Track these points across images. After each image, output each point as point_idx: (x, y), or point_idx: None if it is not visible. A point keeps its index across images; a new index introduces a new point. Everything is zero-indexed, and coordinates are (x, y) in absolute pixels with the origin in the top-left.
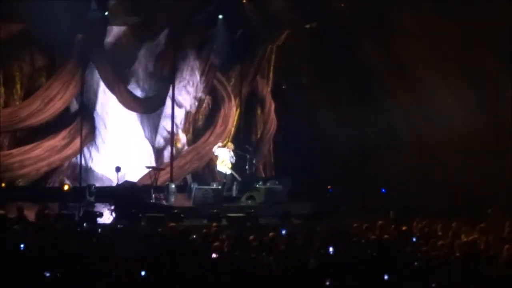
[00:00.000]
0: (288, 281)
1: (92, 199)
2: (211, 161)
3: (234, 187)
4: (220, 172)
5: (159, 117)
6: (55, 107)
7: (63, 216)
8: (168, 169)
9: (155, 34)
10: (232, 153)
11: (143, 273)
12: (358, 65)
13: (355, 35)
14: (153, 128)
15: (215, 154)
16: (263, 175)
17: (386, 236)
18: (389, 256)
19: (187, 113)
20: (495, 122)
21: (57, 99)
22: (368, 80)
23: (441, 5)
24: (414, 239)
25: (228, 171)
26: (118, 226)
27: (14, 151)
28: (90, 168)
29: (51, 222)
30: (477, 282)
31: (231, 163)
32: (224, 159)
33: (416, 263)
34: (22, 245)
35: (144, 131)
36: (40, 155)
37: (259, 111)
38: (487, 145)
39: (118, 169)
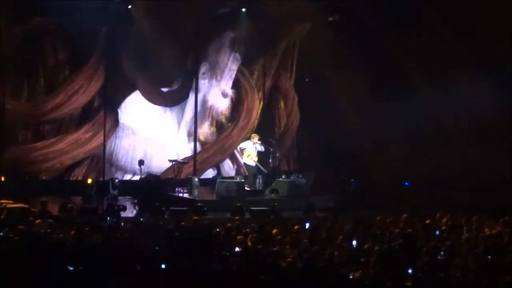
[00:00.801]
0: (312, 275)
1: (115, 192)
2: (234, 154)
3: (258, 180)
4: (247, 165)
5: (182, 110)
6: (78, 100)
7: (86, 209)
8: (191, 162)
9: (179, 27)
10: (257, 144)
11: (163, 266)
12: (381, 58)
13: (378, 28)
14: (176, 122)
15: (241, 148)
16: (287, 168)
17: (409, 229)
18: (412, 249)
19: (211, 106)
20: None
21: (80, 92)
22: (390, 73)
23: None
24: (437, 233)
25: (254, 164)
26: (141, 219)
27: (38, 144)
28: (114, 161)
29: (74, 216)
30: (501, 275)
31: (257, 155)
32: (250, 151)
33: (439, 257)
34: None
35: (168, 124)
36: (63, 148)
37: (282, 104)
38: (510, 137)
39: (141, 163)
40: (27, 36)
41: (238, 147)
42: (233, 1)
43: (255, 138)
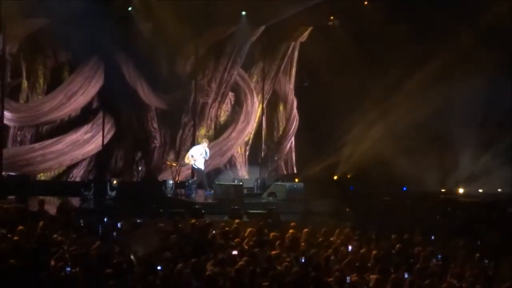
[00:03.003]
0: (309, 279)
1: (113, 194)
2: (233, 157)
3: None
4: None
5: (181, 113)
6: (77, 101)
7: (84, 210)
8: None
9: (179, 30)
10: (206, 150)
11: (159, 267)
12: (380, 62)
13: (378, 32)
14: (175, 124)
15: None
16: (285, 172)
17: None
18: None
19: (210, 109)
20: None
21: (79, 93)
22: (391, 76)
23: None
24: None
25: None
26: (138, 221)
27: (36, 145)
28: (112, 163)
29: (72, 217)
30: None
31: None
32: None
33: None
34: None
35: (166, 126)
36: (62, 149)
37: (281, 108)
38: None
39: (139, 164)
40: (28, 37)
41: (189, 155)
42: (233, 4)
43: (206, 143)
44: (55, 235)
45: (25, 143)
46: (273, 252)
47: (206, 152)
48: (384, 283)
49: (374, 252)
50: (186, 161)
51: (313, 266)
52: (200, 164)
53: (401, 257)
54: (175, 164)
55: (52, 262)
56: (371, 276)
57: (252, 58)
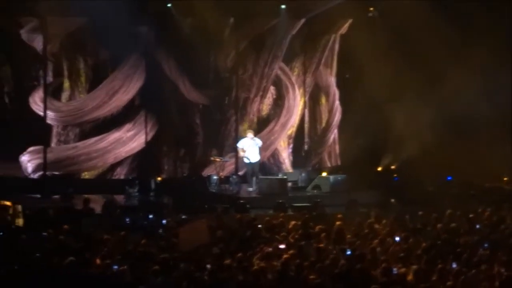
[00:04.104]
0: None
1: (157, 190)
2: (276, 151)
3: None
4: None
5: (223, 108)
6: (119, 99)
7: (129, 208)
8: (233, 160)
9: (218, 25)
10: (254, 139)
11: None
12: (420, 53)
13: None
14: (218, 119)
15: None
16: (328, 164)
17: (453, 224)
18: (456, 244)
19: (251, 104)
20: None
21: (121, 91)
22: (429, 67)
23: None
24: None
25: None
26: (183, 217)
27: (80, 144)
28: (155, 160)
29: (117, 215)
30: None
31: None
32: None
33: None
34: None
35: (209, 122)
36: (105, 147)
37: (323, 100)
38: None
39: (182, 161)
40: (68, 36)
41: (239, 149)
42: None
43: (251, 133)
44: (101, 234)
45: (69, 142)
46: (320, 245)
47: (255, 141)
48: (431, 273)
49: (420, 242)
50: (241, 153)
51: (359, 258)
52: (252, 155)
53: (447, 247)
54: (218, 160)
55: (98, 261)
56: (418, 267)
57: (293, 51)
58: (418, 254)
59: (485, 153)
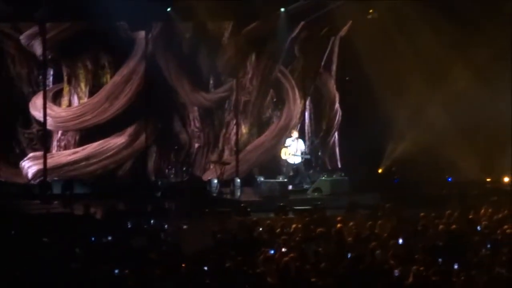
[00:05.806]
0: (357, 273)
1: (159, 194)
2: (277, 153)
3: (299, 178)
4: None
5: (223, 112)
6: (120, 104)
7: (131, 212)
8: (234, 163)
9: (219, 29)
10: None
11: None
12: (420, 55)
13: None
14: (218, 123)
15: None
16: (329, 167)
17: (454, 225)
18: (458, 245)
19: (252, 107)
20: None
21: (121, 96)
22: (429, 69)
23: None
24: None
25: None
26: (185, 221)
27: (80, 149)
28: (156, 164)
29: (119, 220)
30: None
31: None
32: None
33: (484, 251)
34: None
35: (209, 125)
36: (105, 152)
37: (323, 103)
38: None
39: (183, 165)
40: (67, 40)
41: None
42: (271, 1)
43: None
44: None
45: (69, 148)
46: (320, 248)
47: (298, 142)
48: (432, 274)
49: (421, 244)
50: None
51: (360, 260)
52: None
53: (449, 248)
54: (219, 163)
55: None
56: (419, 268)
57: (293, 54)
58: (419, 256)
59: (485, 153)
